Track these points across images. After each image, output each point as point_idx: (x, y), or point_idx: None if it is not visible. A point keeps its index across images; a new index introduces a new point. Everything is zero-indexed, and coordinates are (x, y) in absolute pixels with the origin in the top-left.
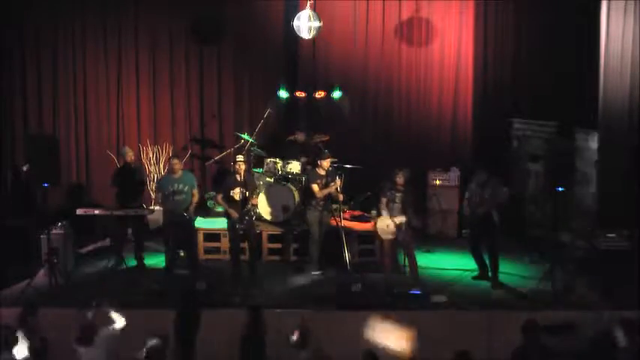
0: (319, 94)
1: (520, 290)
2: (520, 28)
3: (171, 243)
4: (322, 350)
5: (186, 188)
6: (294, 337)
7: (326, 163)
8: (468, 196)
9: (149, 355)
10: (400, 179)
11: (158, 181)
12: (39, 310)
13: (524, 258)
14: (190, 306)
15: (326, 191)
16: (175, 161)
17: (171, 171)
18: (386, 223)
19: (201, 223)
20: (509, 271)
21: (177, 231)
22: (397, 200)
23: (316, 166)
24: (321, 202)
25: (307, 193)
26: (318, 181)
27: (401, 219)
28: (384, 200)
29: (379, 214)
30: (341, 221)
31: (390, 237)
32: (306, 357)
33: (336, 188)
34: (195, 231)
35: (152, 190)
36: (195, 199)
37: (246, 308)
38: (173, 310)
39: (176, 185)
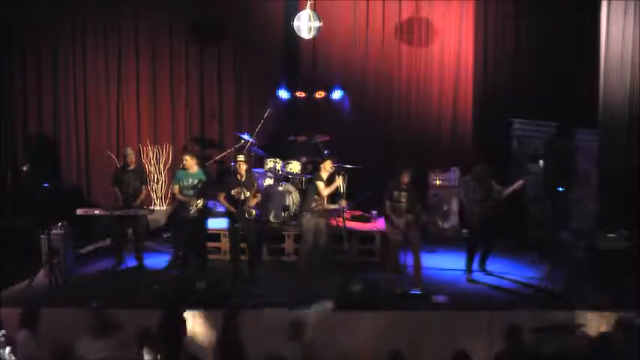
0: (319, 94)
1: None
2: (520, 28)
3: (174, 239)
4: (314, 345)
5: (198, 185)
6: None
7: (328, 165)
8: (470, 194)
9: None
10: (406, 178)
11: (175, 173)
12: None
13: (524, 258)
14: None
15: (331, 188)
16: (186, 157)
17: (185, 167)
18: (394, 224)
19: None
20: (510, 271)
21: (184, 227)
22: (403, 200)
23: (318, 169)
24: (319, 207)
25: (306, 198)
26: (323, 182)
27: (408, 218)
28: (387, 202)
29: (386, 216)
30: (343, 222)
31: (399, 237)
32: (298, 350)
33: (338, 187)
34: (204, 229)
35: (152, 190)
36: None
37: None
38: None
39: (190, 180)
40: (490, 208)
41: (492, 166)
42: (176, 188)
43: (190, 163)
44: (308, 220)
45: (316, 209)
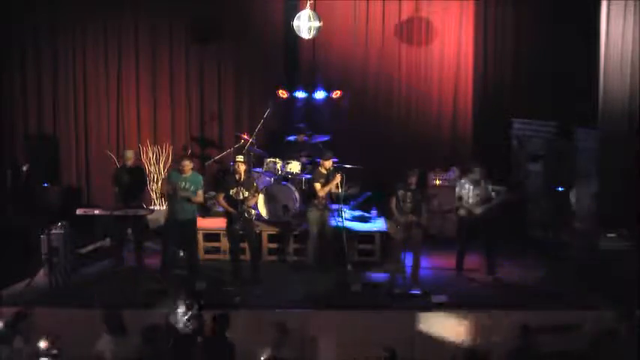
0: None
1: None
2: (520, 28)
3: (171, 241)
4: (302, 350)
5: (192, 188)
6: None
7: (328, 163)
8: (460, 194)
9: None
10: (412, 179)
11: (168, 174)
12: (30, 315)
13: (525, 258)
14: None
15: (327, 188)
16: (186, 162)
17: (181, 170)
18: (397, 223)
19: (201, 223)
20: (510, 271)
21: (178, 229)
22: (408, 199)
23: (318, 165)
24: (323, 202)
25: (309, 193)
26: (321, 180)
27: (412, 218)
28: (393, 200)
29: (390, 214)
30: (342, 221)
31: (400, 236)
32: (298, 351)
33: (337, 185)
34: (195, 230)
35: (152, 190)
36: (199, 199)
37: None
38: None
39: (183, 183)
40: (477, 210)
41: (489, 168)
42: (168, 189)
43: (189, 168)
44: (312, 214)
45: (320, 203)
